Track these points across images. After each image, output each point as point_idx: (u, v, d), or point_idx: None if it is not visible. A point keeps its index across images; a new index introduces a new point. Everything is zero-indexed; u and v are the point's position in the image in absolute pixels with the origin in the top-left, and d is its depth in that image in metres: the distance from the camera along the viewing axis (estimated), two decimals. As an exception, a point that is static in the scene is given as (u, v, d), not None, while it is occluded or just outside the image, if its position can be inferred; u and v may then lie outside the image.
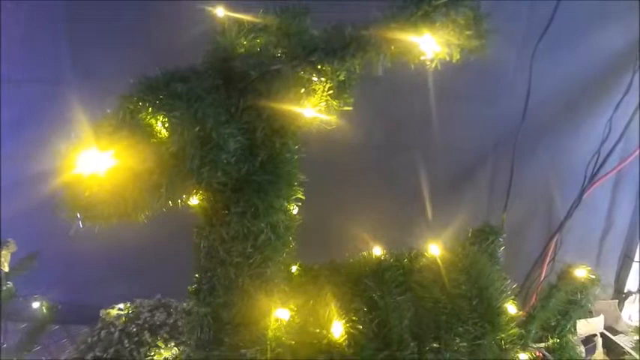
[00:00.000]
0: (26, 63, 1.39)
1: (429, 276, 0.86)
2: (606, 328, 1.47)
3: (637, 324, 1.58)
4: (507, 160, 1.48)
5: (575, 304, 0.93)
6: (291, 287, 0.79)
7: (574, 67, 1.41)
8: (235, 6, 0.73)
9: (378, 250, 0.94)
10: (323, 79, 0.64)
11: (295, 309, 0.75)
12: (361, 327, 0.78)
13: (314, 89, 0.65)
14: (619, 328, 1.54)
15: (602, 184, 1.51)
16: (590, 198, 1.52)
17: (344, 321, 0.76)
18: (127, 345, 1.15)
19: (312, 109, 0.66)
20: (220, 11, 0.73)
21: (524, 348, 0.87)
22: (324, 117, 0.68)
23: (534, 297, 1.50)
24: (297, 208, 0.77)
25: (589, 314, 0.99)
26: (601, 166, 1.49)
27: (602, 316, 1.46)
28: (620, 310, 1.63)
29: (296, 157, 0.73)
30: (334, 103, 0.68)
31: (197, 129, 0.59)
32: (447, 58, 0.58)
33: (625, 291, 1.66)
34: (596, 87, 1.43)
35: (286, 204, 0.73)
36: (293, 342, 0.73)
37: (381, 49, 0.58)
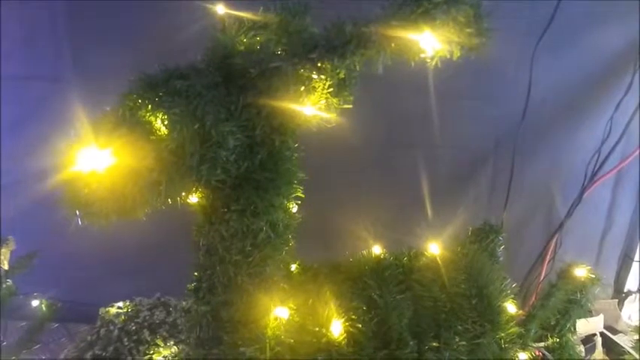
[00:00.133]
0: (26, 61, 1.39)
1: (428, 275, 0.86)
2: (606, 327, 1.47)
3: (637, 323, 1.58)
4: (507, 159, 1.48)
5: (575, 303, 0.93)
6: (290, 286, 0.79)
7: (574, 67, 1.41)
8: (235, 3, 0.73)
9: (377, 249, 0.94)
10: (323, 76, 0.64)
11: (294, 307, 0.75)
12: (360, 326, 0.78)
13: (314, 87, 0.64)
14: (619, 328, 1.54)
15: (602, 184, 1.51)
16: (590, 197, 1.52)
17: (343, 320, 0.76)
18: (126, 343, 1.15)
19: (312, 106, 0.66)
20: (220, 9, 0.73)
21: (524, 347, 0.87)
22: (324, 115, 0.68)
23: (534, 296, 1.50)
24: (296, 206, 0.77)
25: (589, 313, 0.99)
26: (601, 165, 1.49)
27: (601, 316, 1.46)
28: (620, 310, 1.64)
29: (295, 155, 0.73)
30: (334, 100, 0.67)
31: (197, 126, 0.59)
32: (448, 56, 0.58)
33: (625, 290, 1.66)
34: (597, 87, 1.43)
35: (286, 202, 0.73)
36: (292, 340, 0.73)
37: (381, 46, 0.58)
